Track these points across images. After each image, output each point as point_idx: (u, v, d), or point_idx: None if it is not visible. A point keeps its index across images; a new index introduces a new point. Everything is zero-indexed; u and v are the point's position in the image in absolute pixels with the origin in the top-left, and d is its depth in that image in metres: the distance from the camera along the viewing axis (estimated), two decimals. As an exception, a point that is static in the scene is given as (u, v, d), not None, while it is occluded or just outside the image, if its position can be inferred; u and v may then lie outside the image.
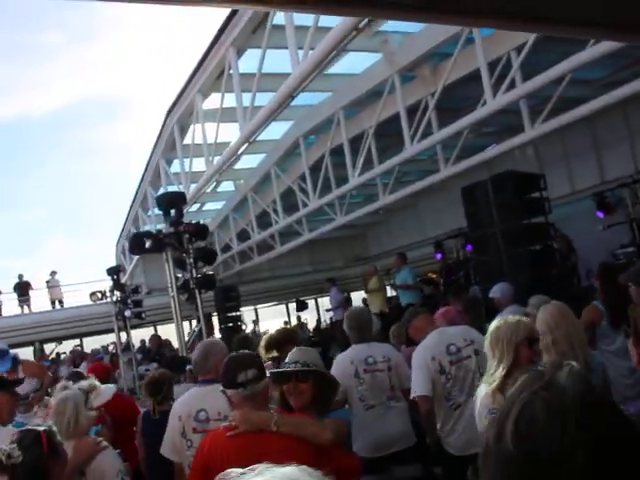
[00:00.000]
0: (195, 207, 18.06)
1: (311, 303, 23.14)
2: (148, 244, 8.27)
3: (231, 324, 16.76)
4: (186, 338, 17.27)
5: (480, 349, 4.72)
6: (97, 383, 5.06)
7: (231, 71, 9.13)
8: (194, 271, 8.45)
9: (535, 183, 8.54)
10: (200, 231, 8.46)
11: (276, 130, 14.09)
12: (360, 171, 11.30)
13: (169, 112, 12.05)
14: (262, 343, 5.62)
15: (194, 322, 22.56)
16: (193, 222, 8.79)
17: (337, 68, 11.47)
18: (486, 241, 8.49)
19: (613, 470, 0.88)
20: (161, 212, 9.00)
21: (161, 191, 13.58)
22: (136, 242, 8.24)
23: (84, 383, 4.99)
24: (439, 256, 16.37)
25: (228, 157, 9.74)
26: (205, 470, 2.88)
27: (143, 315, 14.87)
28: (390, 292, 15.96)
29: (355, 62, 11.30)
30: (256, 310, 23.83)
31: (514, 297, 6.73)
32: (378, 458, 4.72)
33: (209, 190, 16.53)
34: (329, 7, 1.35)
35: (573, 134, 14.39)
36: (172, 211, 8.60)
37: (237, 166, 15.47)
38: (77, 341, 21.34)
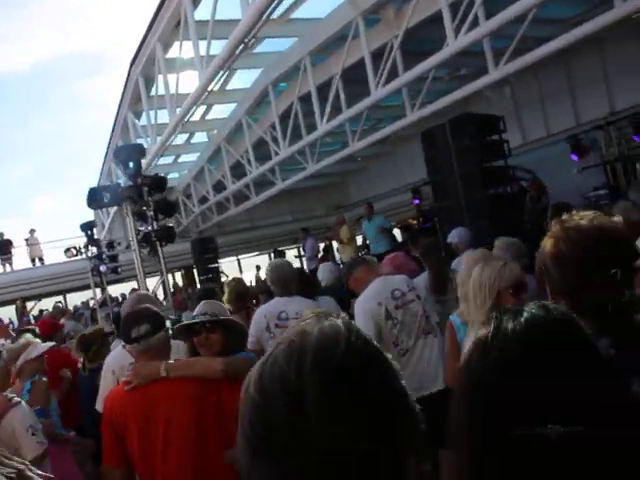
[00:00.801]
0: (170, 159, 17.90)
1: (294, 252, 23.14)
2: (106, 198, 8.14)
3: (210, 275, 16.82)
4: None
5: (421, 295, 4.69)
6: (34, 339, 5.08)
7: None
8: (155, 224, 8.33)
9: (494, 125, 8.36)
10: (158, 183, 8.34)
11: (247, 78, 13.85)
12: (328, 118, 11.10)
13: (132, 63, 11.75)
14: (225, 297, 5.64)
15: (177, 274, 22.79)
16: (154, 174, 8.61)
17: (302, 12, 11.21)
18: (446, 186, 8.36)
19: (344, 417, 0.83)
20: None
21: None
22: (94, 196, 8.10)
23: (21, 340, 5.01)
24: (416, 202, 16.28)
25: (188, 108, 9.52)
26: (111, 426, 2.95)
27: (119, 270, 14.80)
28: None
29: (321, 6, 11.01)
30: (239, 261, 23.82)
31: (472, 242, 6.67)
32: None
33: (182, 142, 16.39)
34: None
35: (548, 76, 14.23)
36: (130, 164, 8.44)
37: (209, 116, 15.31)
38: (59, 298, 21.31)
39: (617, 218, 1.80)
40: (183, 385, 2.89)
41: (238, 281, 5.78)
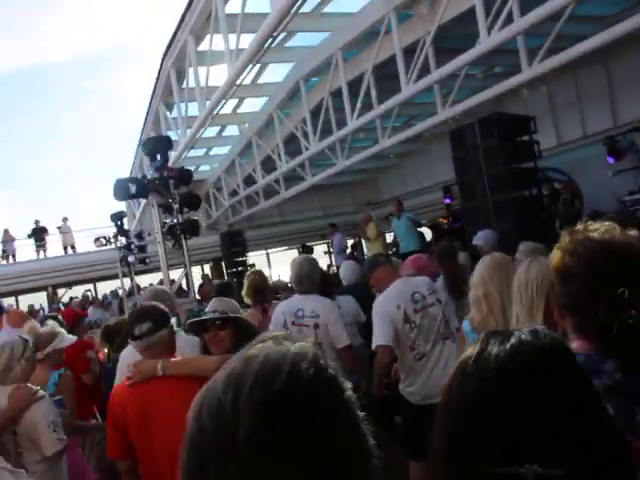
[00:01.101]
0: (201, 152, 17.97)
1: (323, 248, 23.05)
2: (133, 189, 8.15)
3: (239, 268, 16.88)
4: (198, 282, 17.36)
5: (442, 299, 4.59)
6: (60, 329, 5.10)
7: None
8: (180, 217, 8.33)
9: (525, 126, 8.15)
10: (184, 176, 8.30)
11: (279, 72, 13.81)
12: (359, 114, 11.00)
13: (165, 55, 11.77)
14: (244, 290, 5.60)
15: (206, 267, 22.89)
16: (178, 167, 8.62)
17: (335, 7, 11.12)
18: (473, 186, 8.20)
19: (285, 450, 0.78)
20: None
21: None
22: (120, 188, 8.10)
23: (47, 327, 5.05)
24: (447, 201, 16.09)
25: (217, 101, 9.50)
26: (114, 419, 3.05)
27: (147, 261, 14.89)
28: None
29: (354, 0, 10.90)
30: (268, 255, 23.83)
31: (498, 245, 6.52)
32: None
33: (214, 135, 16.43)
34: None
35: (587, 75, 13.93)
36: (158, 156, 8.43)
37: (241, 110, 15.30)
38: (90, 286, 21.59)
39: (633, 232, 1.69)
40: (180, 384, 2.88)
41: (257, 274, 5.72)
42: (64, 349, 4.85)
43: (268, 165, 16.18)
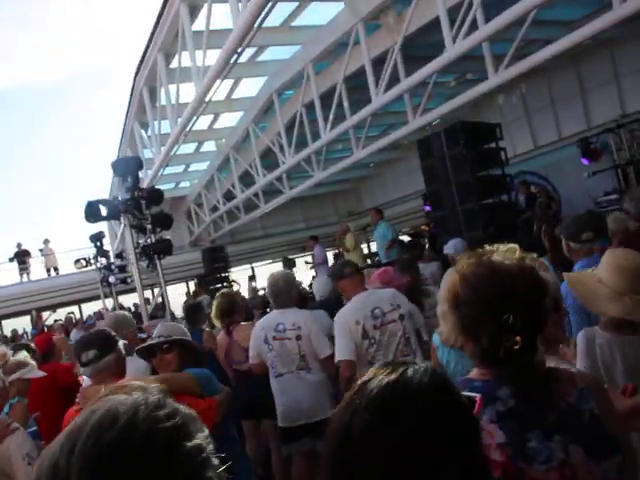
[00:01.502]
0: (180, 168, 17.92)
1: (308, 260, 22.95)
2: (104, 211, 8.08)
3: (222, 284, 16.83)
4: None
5: (406, 314, 4.54)
6: (29, 361, 5.01)
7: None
8: (153, 237, 8.27)
9: (491, 133, 8.15)
10: (154, 196, 8.24)
11: (255, 86, 13.78)
12: (332, 125, 10.99)
13: (136, 74, 11.74)
14: (212, 313, 5.60)
15: (190, 284, 22.77)
16: (148, 187, 8.57)
17: (303, 20, 11.13)
18: (441, 196, 8.19)
19: None
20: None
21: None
22: (91, 210, 8.02)
23: (19, 356, 4.98)
24: (427, 208, 16.08)
25: (188, 118, 9.47)
26: None
27: (128, 280, 14.76)
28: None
29: (323, 12, 10.92)
30: (253, 269, 23.75)
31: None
32: (290, 428, 4.62)
33: (192, 151, 16.40)
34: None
35: (559, 79, 14.05)
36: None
37: (218, 125, 15.28)
38: (74, 308, 21.40)
39: (531, 255, 1.68)
40: None
41: (224, 296, 5.69)
42: (30, 381, 4.78)
43: (247, 180, 16.17)
